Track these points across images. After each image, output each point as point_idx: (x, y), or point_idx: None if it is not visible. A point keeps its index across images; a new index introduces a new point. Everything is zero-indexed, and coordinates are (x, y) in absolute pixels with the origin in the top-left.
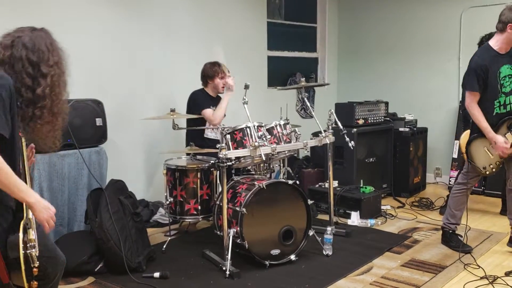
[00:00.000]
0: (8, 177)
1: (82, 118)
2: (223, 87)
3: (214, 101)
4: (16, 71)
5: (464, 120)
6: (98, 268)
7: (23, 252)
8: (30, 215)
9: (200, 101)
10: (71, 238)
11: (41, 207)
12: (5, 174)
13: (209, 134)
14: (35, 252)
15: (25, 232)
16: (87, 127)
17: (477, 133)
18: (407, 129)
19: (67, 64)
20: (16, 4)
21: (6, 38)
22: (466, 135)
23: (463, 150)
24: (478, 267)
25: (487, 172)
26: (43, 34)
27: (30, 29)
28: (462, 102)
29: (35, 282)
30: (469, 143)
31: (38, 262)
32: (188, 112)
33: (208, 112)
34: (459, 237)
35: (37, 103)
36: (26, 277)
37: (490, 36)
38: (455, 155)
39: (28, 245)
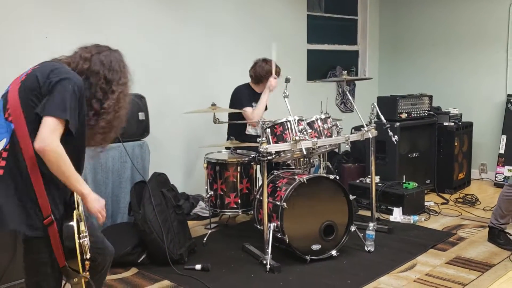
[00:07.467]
0: (68, 167)
1: None
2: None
3: (258, 98)
4: (92, 83)
5: None
6: (141, 259)
7: (78, 241)
8: (80, 209)
9: (243, 98)
10: (115, 230)
11: (93, 198)
12: (66, 164)
13: (250, 130)
14: (87, 242)
15: (77, 223)
16: (130, 121)
17: None
18: (451, 124)
19: (131, 84)
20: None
21: (85, 52)
22: None
23: None
24: None
25: None
26: (118, 56)
27: (107, 48)
28: None
29: (87, 273)
30: None
31: (90, 254)
32: (231, 106)
33: (247, 111)
34: (508, 235)
35: (101, 114)
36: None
37: None
38: (502, 151)
39: (80, 235)
